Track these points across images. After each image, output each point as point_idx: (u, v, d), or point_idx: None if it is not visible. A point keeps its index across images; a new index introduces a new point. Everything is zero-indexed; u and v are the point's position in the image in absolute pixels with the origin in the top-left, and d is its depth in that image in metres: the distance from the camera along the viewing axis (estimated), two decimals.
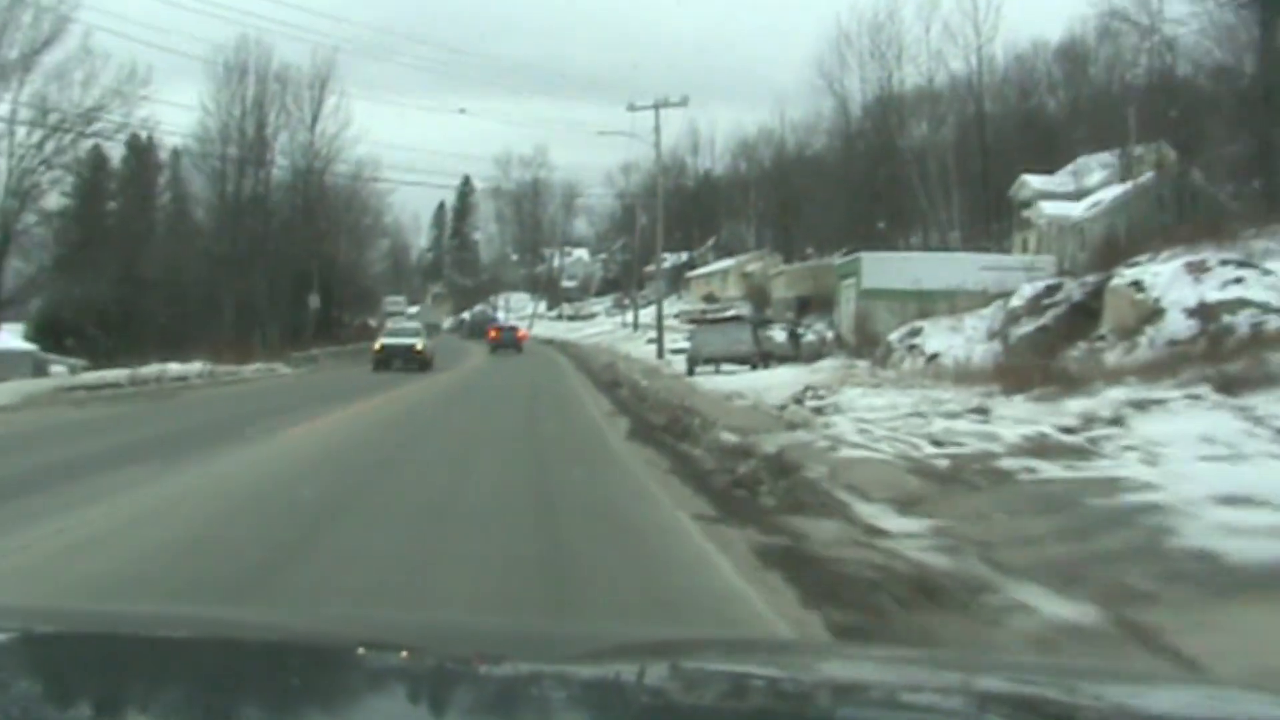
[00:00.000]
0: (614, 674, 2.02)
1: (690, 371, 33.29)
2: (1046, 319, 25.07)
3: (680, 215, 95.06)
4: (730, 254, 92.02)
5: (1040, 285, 26.01)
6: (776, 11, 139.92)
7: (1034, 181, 63.50)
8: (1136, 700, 1.89)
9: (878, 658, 2.64)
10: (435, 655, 2.07)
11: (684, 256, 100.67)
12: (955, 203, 62.44)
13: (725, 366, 33.89)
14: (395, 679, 1.97)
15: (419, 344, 38.37)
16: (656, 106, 48.43)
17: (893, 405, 16.73)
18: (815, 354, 34.08)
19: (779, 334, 39.08)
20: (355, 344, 55.08)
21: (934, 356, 25.41)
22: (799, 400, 17.60)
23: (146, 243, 53.88)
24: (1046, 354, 20.53)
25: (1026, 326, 25.23)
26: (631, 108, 48.50)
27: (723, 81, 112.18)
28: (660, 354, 43.41)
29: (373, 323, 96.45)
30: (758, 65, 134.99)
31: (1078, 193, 55.48)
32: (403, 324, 46.68)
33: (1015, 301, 26.07)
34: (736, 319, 38.70)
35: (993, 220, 64.09)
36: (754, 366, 33.46)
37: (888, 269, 35.96)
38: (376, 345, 38.89)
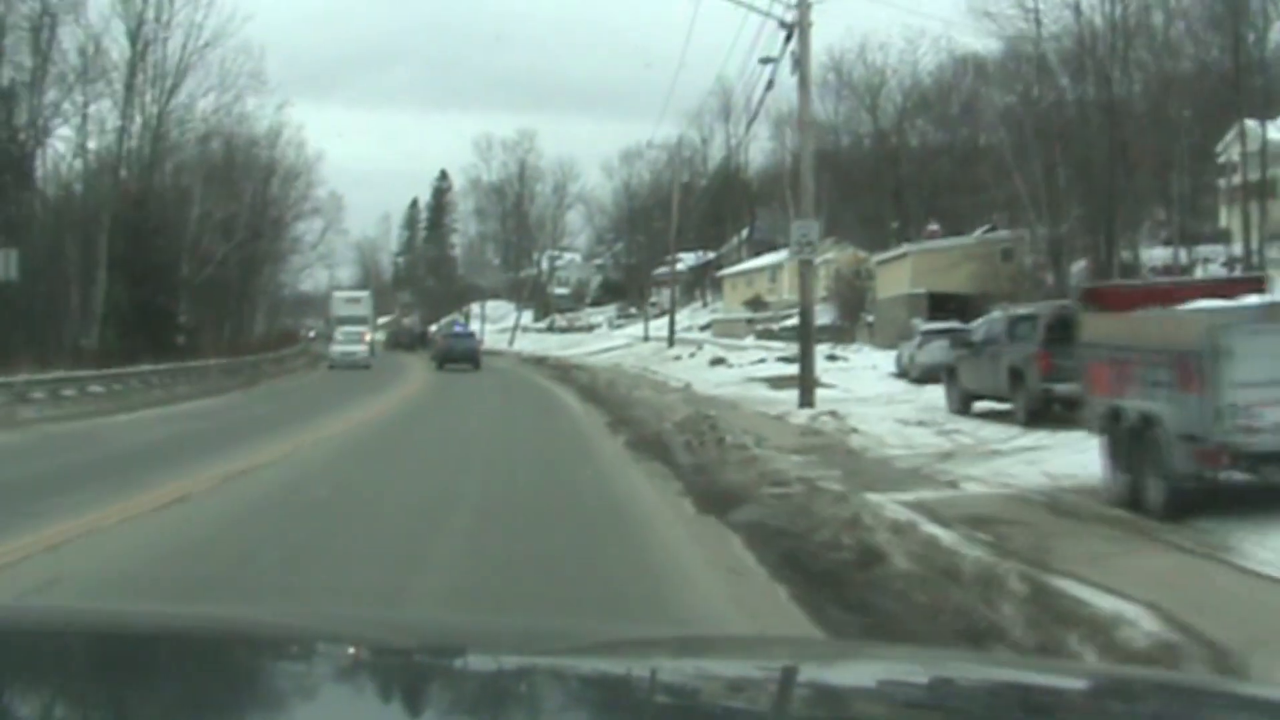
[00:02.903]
0: (606, 670, 2.00)
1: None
2: None
3: (703, 209, 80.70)
4: (771, 248, 71.66)
5: None
6: None
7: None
8: (1140, 703, 1.84)
9: (878, 657, 2.50)
10: (429, 652, 2.10)
11: (708, 255, 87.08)
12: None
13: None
14: (387, 676, 1.95)
15: None
16: None
17: None
18: None
19: None
20: (234, 357, 34.36)
21: None
22: None
23: None
24: None
25: None
26: None
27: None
28: (808, 398, 19.32)
29: (312, 331, 74.85)
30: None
31: None
32: None
33: None
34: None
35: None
36: None
37: None
38: None
